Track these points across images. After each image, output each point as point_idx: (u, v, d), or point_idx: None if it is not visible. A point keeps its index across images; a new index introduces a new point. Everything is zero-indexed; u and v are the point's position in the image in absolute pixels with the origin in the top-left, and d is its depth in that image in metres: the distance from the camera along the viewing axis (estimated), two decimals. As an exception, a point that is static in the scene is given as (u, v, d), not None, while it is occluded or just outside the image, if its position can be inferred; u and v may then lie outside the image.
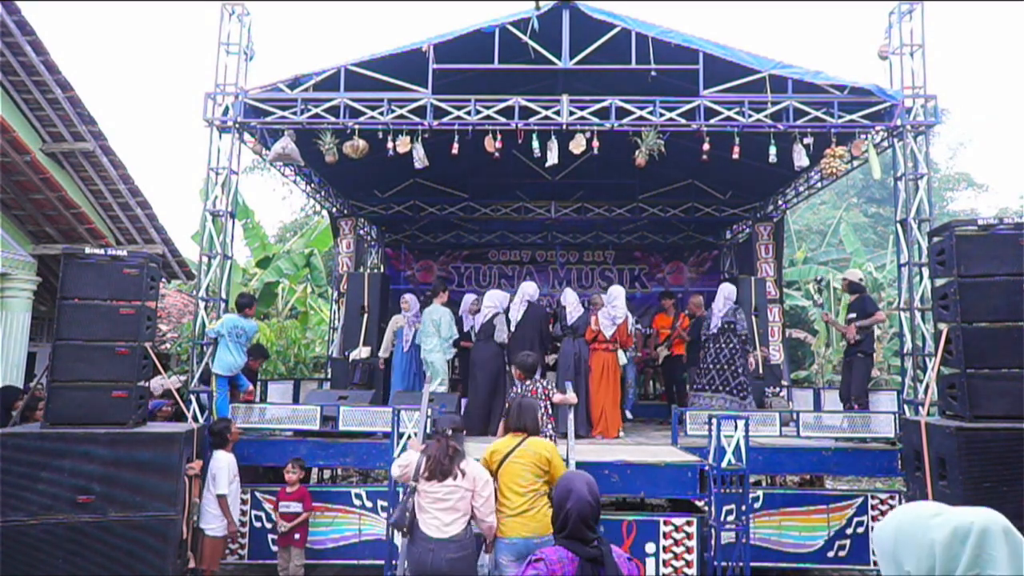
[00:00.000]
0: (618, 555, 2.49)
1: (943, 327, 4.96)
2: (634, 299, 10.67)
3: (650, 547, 5.41)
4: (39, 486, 4.78)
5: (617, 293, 7.57)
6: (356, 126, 6.78)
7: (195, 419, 6.19)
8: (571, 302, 7.63)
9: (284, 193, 27.94)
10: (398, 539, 4.94)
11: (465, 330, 8.26)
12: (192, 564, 5.46)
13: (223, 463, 5.67)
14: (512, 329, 7.36)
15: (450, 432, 4.03)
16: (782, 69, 6.65)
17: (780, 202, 10.32)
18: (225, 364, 6.46)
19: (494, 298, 7.59)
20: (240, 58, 6.83)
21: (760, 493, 6.11)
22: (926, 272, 6.16)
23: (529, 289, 7.57)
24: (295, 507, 5.83)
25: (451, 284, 11.34)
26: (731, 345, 7.47)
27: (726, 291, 7.79)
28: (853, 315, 7.23)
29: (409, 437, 5.13)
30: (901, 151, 6.65)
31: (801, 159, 6.81)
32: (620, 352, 7.67)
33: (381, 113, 6.78)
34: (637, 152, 6.93)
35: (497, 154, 6.87)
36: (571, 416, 5.76)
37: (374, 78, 6.77)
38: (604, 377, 7.33)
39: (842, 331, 7.70)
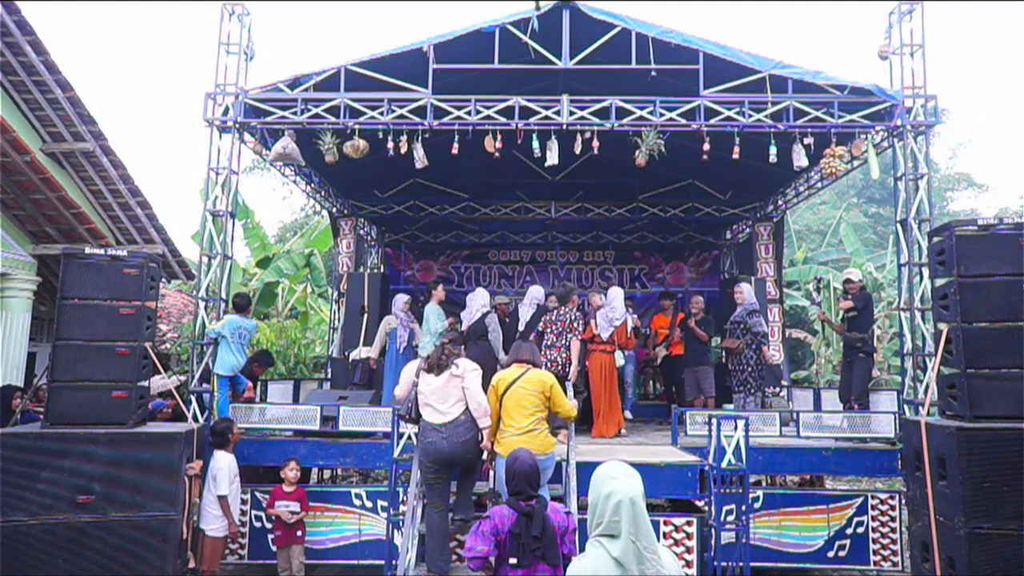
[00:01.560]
0: (554, 510, 3.48)
1: (943, 327, 4.96)
2: (634, 299, 10.63)
3: (650, 547, 5.40)
4: (39, 486, 4.79)
5: (615, 295, 7.60)
6: (356, 126, 6.78)
7: (195, 419, 6.19)
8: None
9: (284, 193, 28.02)
10: (398, 539, 4.96)
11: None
12: (192, 564, 5.46)
13: (223, 463, 5.68)
14: (521, 328, 7.41)
15: (446, 341, 4.83)
16: (782, 69, 6.65)
17: (780, 202, 10.32)
18: (227, 364, 6.47)
19: (484, 297, 7.60)
20: (240, 58, 6.83)
21: (760, 493, 6.11)
22: (926, 272, 6.15)
23: (537, 293, 7.64)
24: (292, 506, 5.83)
25: (451, 284, 11.34)
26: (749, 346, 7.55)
27: (747, 291, 7.87)
28: (854, 313, 7.20)
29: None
30: (901, 151, 6.65)
31: (801, 159, 6.81)
32: (618, 353, 7.69)
33: (381, 113, 6.78)
34: (637, 152, 6.93)
35: (497, 154, 6.87)
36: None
37: (374, 78, 6.77)
38: (601, 378, 7.36)
39: (838, 330, 7.69)
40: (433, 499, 4.56)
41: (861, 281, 7.41)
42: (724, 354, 7.90)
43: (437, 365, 4.61)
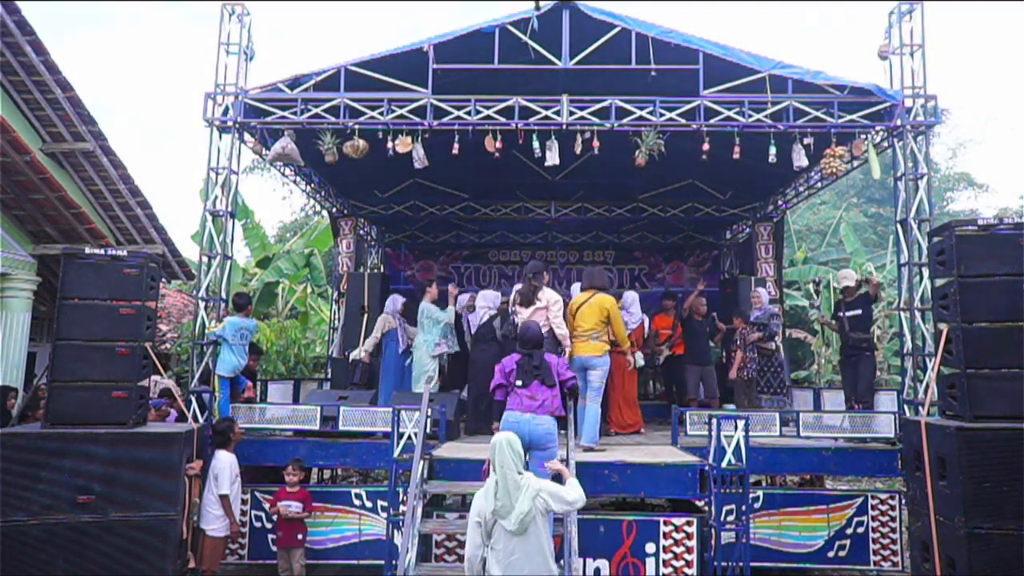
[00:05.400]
0: (549, 355, 5.00)
1: (943, 327, 4.96)
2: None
3: (650, 547, 5.41)
4: (39, 486, 4.79)
5: (632, 299, 7.68)
6: (356, 126, 6.78)
7: (195, 419, 6.19)
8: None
9: (284, 193, 28.00)
10: (398, 539, 4.96)
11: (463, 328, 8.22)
12: (192, 564, 5.46)
13: (225, 463, 5.68)
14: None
15: (532, 275, 6.16)
16: (782, 69, 6.65)
17: (780, 202, 10.31)
18: (229, 366, 6.47)
19: (488, 298, 7.59)
20: (240, 58, 6.82)
21: (760, 493, 6.11)
22: (926, 272, 6.15)
23: None
24: (296, 507, 5.83)
25: (451, 284, 11.33)
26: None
27: (764, 295, 8.23)
28: (859, 311, 7.19)
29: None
30: (901, 151, 6.64)
31: (801, 159, 6.80)
32: (637, 355, 7.74)
33: (381, 113, 6.78)
34: (637, 152, 6.92)
35: (497, 154, 6.87)
36: (571, 415, 5.77)
37: (374, 78, 6.76)
38: (619, 379, 7.48)
39: (835, 328, 7.74)
40: None
41: (858, 281, 7.47)
42: (755, 354, 7.98)
43: (526, 300, 6.05)
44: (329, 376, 9.94)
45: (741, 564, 5.07)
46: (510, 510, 3.35)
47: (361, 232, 11.30)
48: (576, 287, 7.80)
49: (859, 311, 7.21)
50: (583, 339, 6.12)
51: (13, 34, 6.81)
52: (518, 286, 6.68)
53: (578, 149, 6.76)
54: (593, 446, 6.02)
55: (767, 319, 7.90)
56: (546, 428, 4.65)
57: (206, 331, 6.46)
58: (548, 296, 6.10)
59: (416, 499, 4.77)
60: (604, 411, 7.36)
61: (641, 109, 6.72)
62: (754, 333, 7.82)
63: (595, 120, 6.73)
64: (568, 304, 6.32)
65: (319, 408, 6.39)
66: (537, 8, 6.62)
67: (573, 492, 3.60)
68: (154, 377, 6.00)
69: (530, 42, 6.67)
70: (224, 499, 5.63)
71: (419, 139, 6.85)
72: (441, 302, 7.93)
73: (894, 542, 6.00)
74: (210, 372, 6.45)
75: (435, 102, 6.74)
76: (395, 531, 5.13)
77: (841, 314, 7.32)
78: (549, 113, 6.76)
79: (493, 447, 3.52)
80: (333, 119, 6.81)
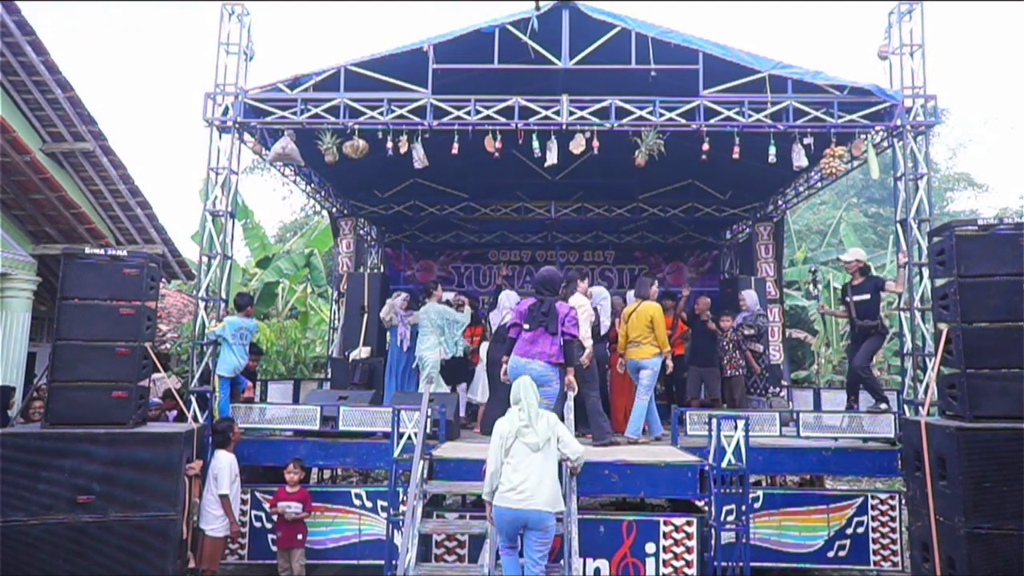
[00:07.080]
0: (561, 304, 5.41)
1: (943, 327, 4.96)
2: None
3: (650, 547, 5.41)
4: (39, 486, 4.80)
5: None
6: (356, 126, 6.78)
7: (195, 419, 6.19)
8: (603, 307, 7.59)
9: (284, 193, 27.99)
10: (398, 539, 4.96)
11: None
12: (192, 564, 5.46)
13: (225, 463, 5.68)
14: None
15: (565, 283, 6.36)
16: (782, 69, 6.65)
17: (780, 202, 10.32)
18: (229, 366, 6.48)
19: (512, 299, 7.61)
20: (240, 58, 6.83)
21: (760, 493, 6.11)
22: (926, 272, 6.15)
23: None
24: (295, 507, 5.83)
25: (451, 284, 11.34)
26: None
27: (749, 298, 8.32)
28: (867, 296, 6.88)
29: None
30: (901, 151, 6.65)
31: (801, 159, 6.81)
32: None
33: (381, 113, 6.78)
34: (637, 152, 6.93)
35: (497, 154, 6.87)
36: (570, 414, 5.77)
37: (374, 78, 6.77)
38: (627, 380, 7.44)
39: (840, 315, 7.70)
40: None
41: (859, 262, 7.00)
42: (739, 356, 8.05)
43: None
44: (329, 376, 9.94)
45: (741, 564, 5.07)
46: (532, 430, 4.18)
47: (361, 232, 11.31)
48: (585, 288, 7.89)
49: (867, 295, 6.82)
50: (635, 344, 6.71)
51: (13, 34, 6.80)
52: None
53: (578, 149, 6.77)
54: (636, 438, 6.56)
55: (754, 320, 8.03)
56: (539, 372, 5.13)
57: (206, 331, 6.46)
58: (574, 300, 6.41)
59: (416, 499, 4.77)
60: (606, 412, 7.38)
61: (641, 109, 6.73)
62: (747, 332, 7.93)
63: (595, 120, 6.73)
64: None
65: (319, 408, 6.39)
66: (537, 8, 6.63)
67: (577, 446, 4.44)
68: (155, 376, 5.99)
69: (530, 42, 6.67)
70: (224, 499, 5.63)
71: (419, 139, 6.85)
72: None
73: (894, 542, 6.01)
74: (210, 372, 6.45)
75: (435, 102, 6.74)
76: (395, 531, 5.13)
77: (848, 299, 7.04)
78: (549, 113, 6.77)
79: (517, 385, 4.40)
80: (333, 119, 6.82)
